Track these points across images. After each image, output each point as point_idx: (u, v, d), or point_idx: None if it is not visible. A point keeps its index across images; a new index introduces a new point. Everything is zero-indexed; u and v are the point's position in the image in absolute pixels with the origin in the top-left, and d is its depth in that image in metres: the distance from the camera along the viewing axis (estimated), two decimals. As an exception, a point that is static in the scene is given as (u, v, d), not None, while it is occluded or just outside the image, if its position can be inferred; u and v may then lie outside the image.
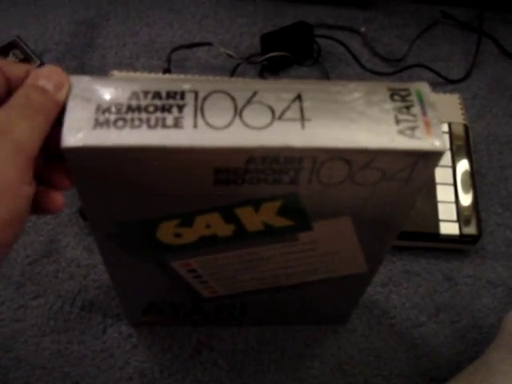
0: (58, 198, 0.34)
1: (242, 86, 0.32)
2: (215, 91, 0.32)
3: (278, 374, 0.54)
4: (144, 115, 0.31)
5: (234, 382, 0.54)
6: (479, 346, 0.57)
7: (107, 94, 0.31)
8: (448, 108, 0.67)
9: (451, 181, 0.62)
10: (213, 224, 0.37)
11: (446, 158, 0.63)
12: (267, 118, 0.31)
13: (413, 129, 0.31)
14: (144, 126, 0.30)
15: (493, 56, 0.79)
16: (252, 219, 0.37)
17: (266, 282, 0.46)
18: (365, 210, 0.37)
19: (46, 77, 0.31)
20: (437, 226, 0.59)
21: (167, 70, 0.72)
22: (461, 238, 0.59)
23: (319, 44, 0.76)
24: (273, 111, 0.31)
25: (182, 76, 0.68)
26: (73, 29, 0.78)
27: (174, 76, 0.68)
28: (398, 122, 0.32)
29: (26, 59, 0.71)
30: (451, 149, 0.64)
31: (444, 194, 0.61)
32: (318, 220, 0.38)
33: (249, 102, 0.31)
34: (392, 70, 0.75)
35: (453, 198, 0.61)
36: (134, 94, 0.31)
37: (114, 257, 0.42)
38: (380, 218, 0.38)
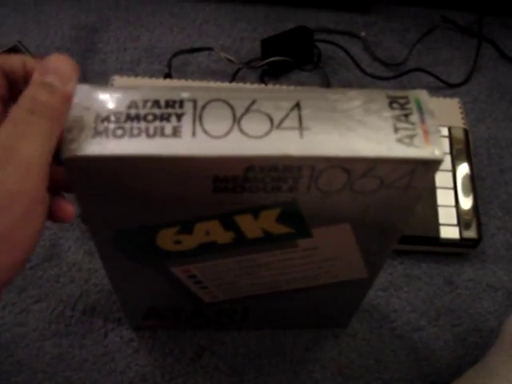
0: (70, 208, 0.34)
1: (240, 95, 0.32)
2: (214, 100, 0.32)
3: (278, 378, 0.55)
4: (143, 124, 0.31)
5: (234, 386, 0.54)
6: (480, 349, 0.57)
7: (106, 102, 0.31)
8: (448, 112, 0.67)
9: (451, 185, 0.62)
10: (212, 231, 0.37)
11: (446, 162, 0.63)
12: (266, 126, 0.31)
13: (411, 137, 0.31)
14: (143, 135, 0.30)
15: (493, 60, 0.79)
16: (251, 226, 0.37)
17: (266, 287, 0.46)
18: (364, 217, 0.37)
19: (53, 70, 0.30)
20: (437, 230, 0.59)
21: (168, 75, 0.72)
22: (461, 242, 0.59)
23: (319, 48, 0.76)
24: (271, 120, 0.31)
25: (182, 81, 0.68)
26: (74, 34, 0.78)
27: (174, 81, 0.68)
28: (396, 130, 0.32)
29: (28, 64, 0.71)
30: (451, 153, 0.64)
31: (444, 197, 0.61)
32: (317, 227, 0.38)
33: (247, 110, 0.31)
34: (392, 75, 0.75)
35: (453, 202, 0.61)
36: (133, 103, 0.31)
37: (114, 262, 0.42)
38: (379, 225, 0.38)
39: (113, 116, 0.31)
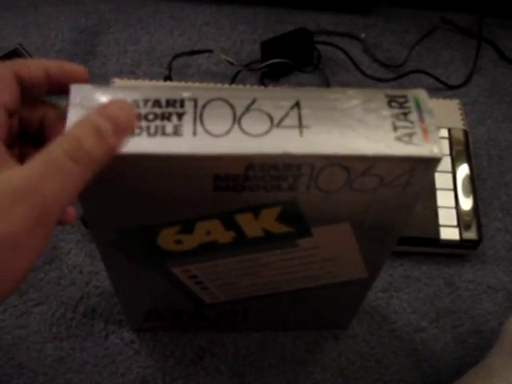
0: (71, 211, 0.34)
1: (240, 94, 0.32)
2: (214, 99, 0.32)
3: (279, 380, 0.55)
4: (144, 123, 0.31)
5: (235, 387, 0.54)
6: (480, 350, 0.57)
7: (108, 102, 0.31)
8: (448, 113, 0.67)
9: (451, 186, 0.62)
10: (213, 231, 0.38)
11: (446, 164, 0.63)
12: (266, 125, 0.31)
13: (410, 135, 0.32)
14: (144, 134, 0.30)
15: (492, 61, 0.80)
16: (252, 226, 0.37)
17: (267, 287, 0.47)
18: (364, 215, 0.37)
19: (112, 118, 0.28)
20: (437, 232, 0.59)
21: (168, 78, 0.72)
22: (461, 243, 0.60)
23: (319, 50, 0.76)
24: (271, 118, 0.31)
25: (182, 83, 0.68)
26: (74, 37, 0.78)
27: (174, 83, 0.69)
28: (395, 128, 0.32)
29: (28, 67, 0.71)
30: (451, 154, 0.64)
31: (444, 199, 0.61)
32: (317, 226, 0.38)
33: (247, 109, 0.32)
34: (392, 76, 0.75)
35: (453, 204, 0.61)
36: (134, 102, 0.31)
37: (115, 263, 0.42)
38: (379, 224, 0.38)
39: None
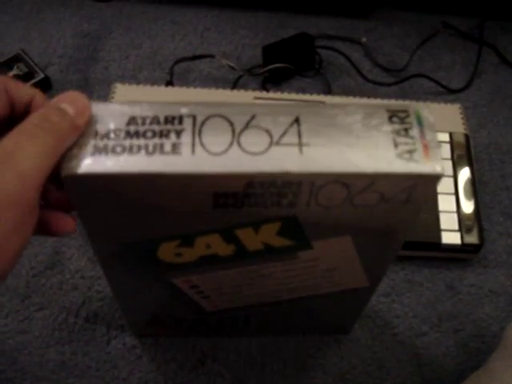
0: (71, 221, 0.34)
1: (240, 110, 0.32)
2: (213, 115, 0.32)
3: (281, 385, 0.55)
4: (142, 141, 0.31)
5: (237, 392, 0.54)
6: (482, 355, 0.57)
7: (106, 119, 0.31)
8: (449, 118, 0.67)
9: (453, 190, 0.62)
10: (213, 244, 0.37)
11: (448, 168, 0.63)
12: (265, 142, 0.31)
13: (411, 152, 0.31)
14: (142, 152, 0.30)
15: (493, 65, 0.80)
16: (252, 240, 0.37)
17: (268, 296, 0.47)
18: (364, 230, 0.37)
19: (69, 101, 0.31)
20: (439, 236, 0.59)
21: (170, 83, 0.72)
22: (463, 248, 0.59)
23: (320, 55, 0.77)
24: (271, 136, 0.31)
25: (184, 88, 0.68)
26: (76, 42, 0.78)
27: (176, 88, 0.69)
28: (396, 145, 0.31)
29: (30, 72, 0.72)
30: (452, 158, 0.64)
31: (446, 203, 0.61)
32: (317, 240, 0.38)
33: (247, 126, 0.31)
34: (393, 80, 0.76)
35: (454, 208, 0.61)
36: (133, 120, 0.31)
37: (115, 273, 0.42)
38: (380, 237, 0.38)
39: (112, 133, 0.31)
